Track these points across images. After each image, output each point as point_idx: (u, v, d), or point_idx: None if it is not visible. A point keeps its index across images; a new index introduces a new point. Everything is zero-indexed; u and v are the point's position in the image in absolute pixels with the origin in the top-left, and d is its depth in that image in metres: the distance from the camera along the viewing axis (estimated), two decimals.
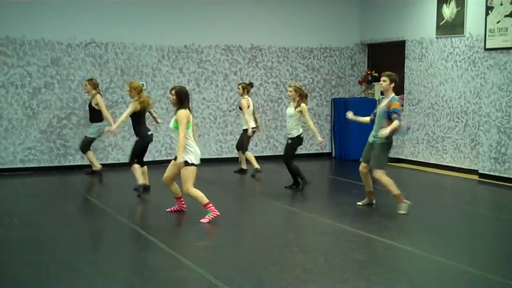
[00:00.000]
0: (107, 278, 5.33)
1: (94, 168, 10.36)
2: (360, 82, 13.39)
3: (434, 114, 11.55)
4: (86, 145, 10.36)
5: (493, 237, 6.99)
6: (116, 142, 11.37)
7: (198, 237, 6.86)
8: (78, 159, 11.17)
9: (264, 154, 12.68)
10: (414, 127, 11.97)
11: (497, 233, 7.15)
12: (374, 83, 13.06)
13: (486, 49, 10.18)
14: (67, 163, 11.14)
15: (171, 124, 7.27)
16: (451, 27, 11.05)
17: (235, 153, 12.47)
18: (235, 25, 12.24)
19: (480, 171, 10.36)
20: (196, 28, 11.96)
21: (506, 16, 9.77)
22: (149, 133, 8.96)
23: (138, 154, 8.90)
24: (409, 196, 8.41)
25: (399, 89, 12.45)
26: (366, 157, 7.85)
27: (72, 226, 7.24)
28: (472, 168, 10.69)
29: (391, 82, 7.75)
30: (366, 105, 12.85)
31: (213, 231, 7.35)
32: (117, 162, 11.35)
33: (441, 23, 11.25)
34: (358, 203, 8.05)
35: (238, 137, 12.49)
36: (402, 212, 7.60)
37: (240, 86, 10.71)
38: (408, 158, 12.09)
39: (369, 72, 13.20)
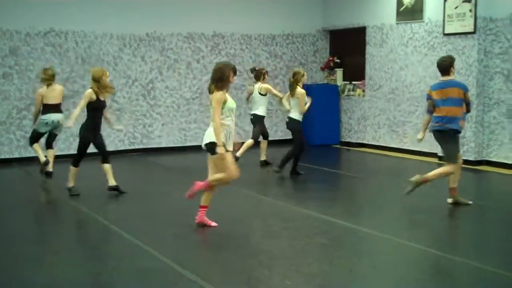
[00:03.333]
0: (72, 268, 5.31)
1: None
2: (322, 69, 13.49)
3: (394, 99, 11.72)
4: None
5: (452, 217, 7.16)
6: (77, 132, 11.21)
7: (163, 226, 6.87)
8: None
9: None
10: (375, 112, 12.14)
11: (454, 214, 7.32)
12: (336, 69, 13.19)
13: (445, 34, 10.37)
14: (27, 155, 10.95)
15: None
16: (411, 13, 11.21)
17: (199, 141, 12.42)
18: (197, 13, 12.18)
19: (439, 154, 10.58)
20: (157, 16, 11.86)
21: (464, 1, 9.96)
22: None
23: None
24: (371, 181, 8.54)
25: (360, 75, 12.64)
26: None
27: (35, 217, 7.17)
28: (431, 151, 10.91)
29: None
30: (329, 91, 13.01)
31: (178, 220, 7.36)
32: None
33: (401, 9, 11.39)
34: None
35: (202, 125, 12.48)
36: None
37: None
38: (370, 142, 12.27)
39: (331, 59, 13.31)
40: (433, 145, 10.93)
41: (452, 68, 7.19)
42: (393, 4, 11.54)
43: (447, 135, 7.15)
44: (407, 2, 11.26)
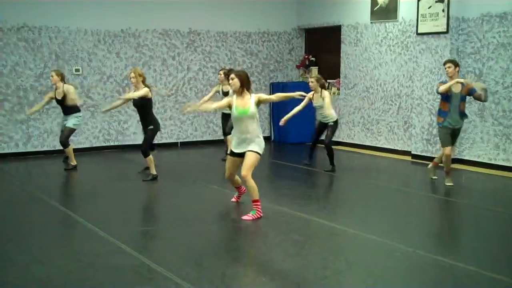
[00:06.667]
0: (44, 267, 5.26)
1: (72, 163, 9.63)
2: (298, 67, 13.55)
3: (369, 97, 11.84)
4: (67, 137, 9.62)
5: (424, 215, 7.27)
6: (52, 129, 11.12)
7: (138, 223, 6.85)
8: (12, 147, 10.89)
9: (204, 139, 12.71)
10: (350, 110, 12.24)
11: (428, 212, 7.45)
12: (311, 67, 13.26)
13: (418, 34, 10.49)
14: (1, 151, 10.84)
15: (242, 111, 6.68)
16: (385, 12, 11.32)
17: (174, 138, 12.43)
18: (173, 9, 12.14)
19: (412, 152, 10.73)
20: (132, 12, 11.79)
21: (437, 1, 10.09)
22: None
23: (152, 142, 8.93)
24: (346, 178, 8.57)
25: (335, 74, 12.73)
26: (451, 142, 8.36)
27: (6, 215, 7.08)
28: (405, 149, 11.05)
29: (455, 66, 8.22)
30: (304, 89, 12.98)
31: (152, 217, 7.36)
32: (53, 149, 11.12)
33: (375, 8, 11.50)
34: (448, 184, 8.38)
35: (177, 122, 12.46)
36: (449, 184, 8.34)
37: (221, 72, 10.20)
38: (345, 140, 12.37)
39: (306, 57, 13.37)
40: (406, 144, 11.08)
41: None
42: (367, 3, 11.63)
43: None
44: (381, 1, 11.37)
